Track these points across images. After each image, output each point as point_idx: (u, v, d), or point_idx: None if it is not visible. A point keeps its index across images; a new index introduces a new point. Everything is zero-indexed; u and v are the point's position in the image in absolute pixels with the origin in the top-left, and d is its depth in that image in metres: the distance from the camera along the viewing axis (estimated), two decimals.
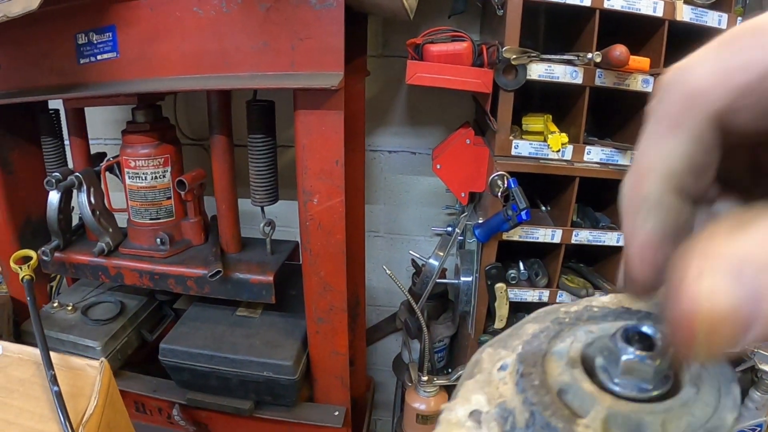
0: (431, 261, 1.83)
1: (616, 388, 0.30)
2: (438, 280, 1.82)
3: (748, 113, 0.28)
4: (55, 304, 1.89)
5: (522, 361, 0.33)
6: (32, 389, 1.16)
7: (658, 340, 0.30)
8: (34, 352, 1.23)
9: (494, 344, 0.37)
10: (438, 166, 1.72)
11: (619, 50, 1.41)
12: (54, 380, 1.13)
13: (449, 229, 1.90)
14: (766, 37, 0.27)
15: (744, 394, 1.64)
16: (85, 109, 1.78)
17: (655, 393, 0.30)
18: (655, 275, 0.31)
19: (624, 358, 0.30)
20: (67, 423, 1.05)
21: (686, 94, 0.29)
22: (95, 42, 1.49)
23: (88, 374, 1.19)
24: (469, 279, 1.79)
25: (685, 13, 1.51)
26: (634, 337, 0.31)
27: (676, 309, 0.26)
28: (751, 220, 0.26)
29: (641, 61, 1.49)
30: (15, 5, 1.23)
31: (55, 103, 1.79)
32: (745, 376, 1.68)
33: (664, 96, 0.30)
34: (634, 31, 1.58)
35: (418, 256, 1.92)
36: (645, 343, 0.30)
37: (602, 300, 0.38)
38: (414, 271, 2.07)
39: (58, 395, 1.10)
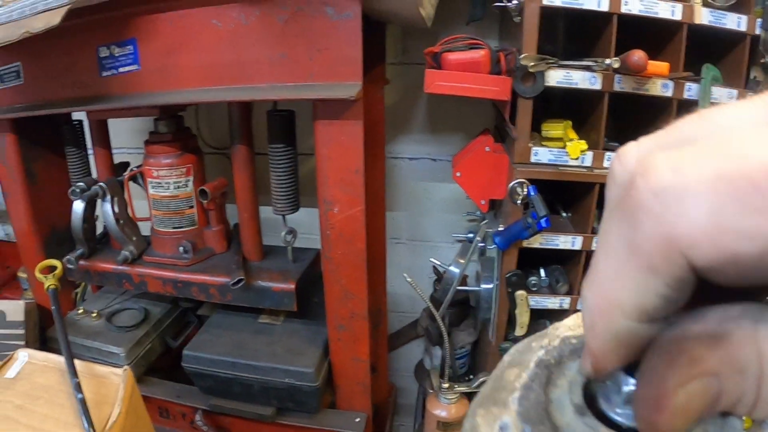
0: (452, 268, 1.83)
1: (619, 419, 0.30)
2: (459, 287, 1.82)
3: (733, 276, 0.24)
4: (80, 311, 1.91)
5: (527, 420, 0.32)
6: (57, 396, 1.18)
7: None
8: (59, 360, 1.25)
9: (483, 403, 0.35)
10: (458, 174, 1.72)
11: (638, 55, 1.40)
12: (78, 388, 1.15)
13: (470, 235, 1.91)
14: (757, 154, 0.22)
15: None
16: (111, 119, 1.80)
17: None
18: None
19: (626, 389, 0.30)
20: (91, 430, 1.07)
21: (666, 239, 0.24)
22: (117, 55, 1.51)
23: (111, 382, 1.21)
24: (490, 286, 1.79)
25: (703, 16, 1.50)
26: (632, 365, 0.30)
27: (654, 416, 0.27)
28: (724, 331, 0.26)
29: (660, 66, 1.48)
30: (38, 21, 1.25)
31: (79, 114, 1.82)
32: None
33: (636, 222, 0.25)
34: (652, 35, 1.57)
35: (439, 263, 1.92)
36: None
37: (569, 326, 0.38)
38: (435, 277, 2.07)
39: (83, 402, 1.11)
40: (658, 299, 0.26)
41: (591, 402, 0.32)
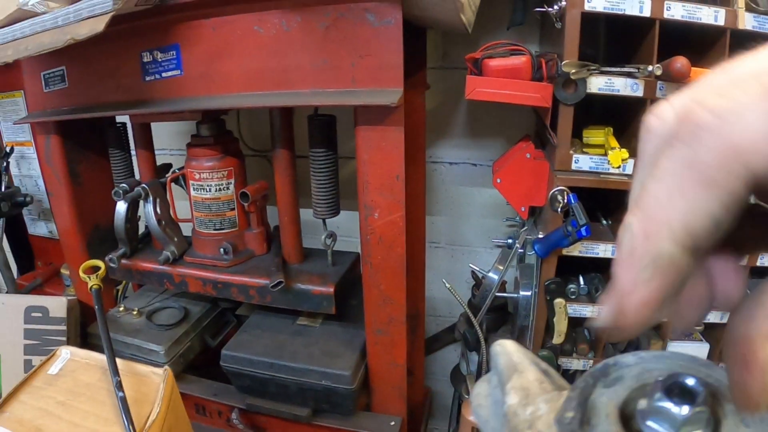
0: (491, 274, 1.82)
1: None
2: (497, 294, 1.82)
3: None
4: (121, 309, 1.95)
5: None
6: (98, 393, 1.20)
7: (701, 394, 0.29)
8: (101, 358, 1.28)
9: None
10: (498, 180, 1.71)
11: (680, 62, 1.39)
12: (119, 386, 1.17)
13: (510, 241, 1.90)
14: None
15: None
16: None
17: None
18: (646, 324, 0.29)
19: (676, 412, 0.29)
20: (131, 427, 1.09)
21: (728, 148, 0.25)
22: (160, 60, 1.53)
23: (152, 381, 1.23)
24: (528, 293, 1.78)
25: (747, 21, 1.47)
26: (674, 390, 0.29)
27: (743, 375, 0.26)
28: None
29: (703, 73, 1.46)
30: (82, 27, 1.27)
31: (123, 117, 1.85)
32: None
33: (695, 141, 0.26)
34: (695, 41, 1.54)
35: (478, 269, 1.92)
36: (685, 396, 0.29)
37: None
38: (474, 282, 2.07)
39: (123, 401, 1.13)
40: (709, 220, 0.26)
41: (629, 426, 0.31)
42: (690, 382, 0.29)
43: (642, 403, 0.30)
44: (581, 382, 0.33)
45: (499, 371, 0.38)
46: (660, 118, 0.29)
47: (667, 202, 0.27)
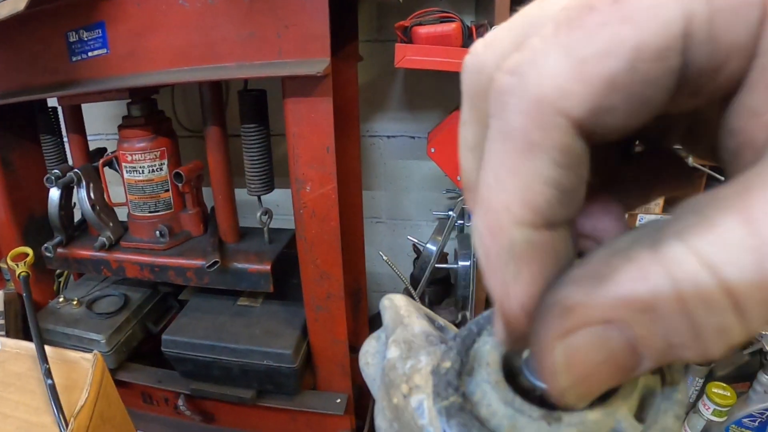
0: (429, 246, 1.82)
1: (534, 380, 0.26)
2: (437, 265, 1.81)
3: (621, 111, 0.21)
4: (61, 300, 1.91)
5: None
6: (28, 383, 1.17)
7: None
8: (31, 347, 1.24)
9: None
10: (432, 150, 1.70)
11: None
12: (48, 373, 1.14)
13: (450, 212, 1.90)
14: (631, 5, 0.20)
15: (752, 377, 1.62)
16: (85, 105, 1.80)
17: None
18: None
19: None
20: (60, 415, 1.06)
21: (534, 103, 0.21)
22: (86, 39, 1.50)
23: (82, 367, 1.20)
24: (467, 263, 1.78)
25: None
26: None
27: (547, 379, 0.23)
28: (609, 268, 0.21)
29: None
30: (2, 8, 1.24)
31: (54, 102, 1.80)
32: (754, 359, 1.67)
33: (504, 110, 0.22)
34: None
35: (416, 241, 1.91)
36: None
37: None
38: (416, 256, 2.06)
39: (52, 388, 1.10)
40: (548, 188, 0.21)
41: (513, 377, 0.27)
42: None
43: (528, 352, 0.27)
44: (463, 331, 0.30)
45: (386, 326, 0.36)
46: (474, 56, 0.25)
47: (498, 186, 0.22)
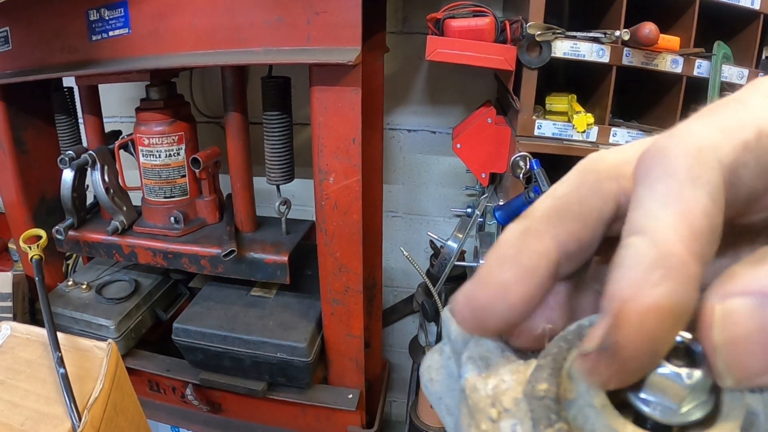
0: (450, 243, 1.78)
1: (648, 409, 0.24)
2: (456, 263, 1.78)
3: (750, 169, 0.25)
4: (70, 283, 1.88)
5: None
6: (39, 371, 1.14)
7: (701, 354, 0.23)
8: (42, 333, 1.21)
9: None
10: (458, 146, 1.67)
11: (649, 28, 1.35)
12: (61, 362, 1.11)
13: (469, 210, 1.86)
14: (749, 104, 0.26)
15: None
16: (101, 86, 1.77)
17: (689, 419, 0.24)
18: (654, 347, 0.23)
19: (659, 371, 0.23)
20: (73, 406, 1.03)
21: (695, 148, 0.24)
22: (107, 18, 1.47)
23: (95, 356, 1.17)
24: None
25: None
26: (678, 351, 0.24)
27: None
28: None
29: (671, 40, 1.43)
30: None
31: (69, 81, 1.77)
32: None
33: (662, 158, 0.25)
34: (663, 8, 1.52)
35: (436, 237, 1.88)
36: (684, 357, 0.24)
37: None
38: (432, 252, 2.03)
39: (65, 377, 1.07)
40: (707, 219, 0.24)
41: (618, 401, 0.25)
42: (689, 341, 0.24)
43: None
44: (553, 348, 0.27)
45: (452, 339, 0.32)
46: None
47: (663, 210, 0.24)
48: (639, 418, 0.24)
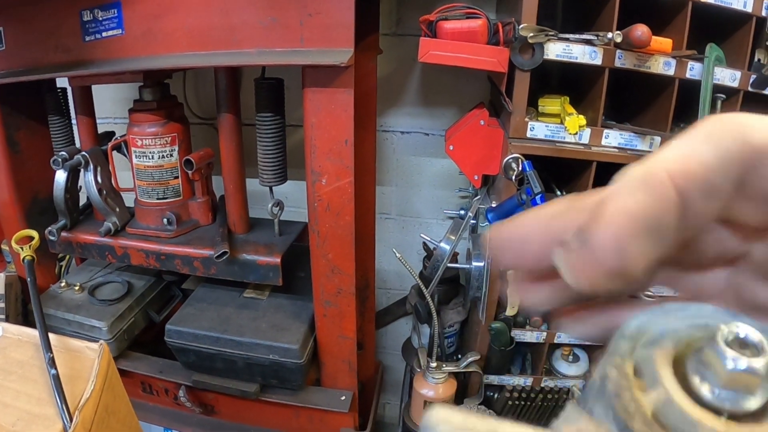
0: (442, 245, 1.78)
1: (719, 403, 0.24)
2: (449, 265, 1.78)
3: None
4: (63, 284, 1.88)
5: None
6: (31, 371, 1.13)
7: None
8: (34, 334, 1.21)
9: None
10: (451, 147, 1.68)
11: (641, 30, 1.36)
12: (52, 363, 1.10)
13: (462, 212, 1.87)
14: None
15: None
16: (95, 87, 1.76)
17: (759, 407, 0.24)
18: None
19: (730, 367, 0.24)
20: (64, 407, 1.02)
21: (731, 121, 0.27)
22: (100, 19, 1.47)
23: (87, 356, 1.16)
24: (481, 264, 1.75)
25: None
26: (735, 342, 0.24)
27: None
28: None
29: (663, 42, 1.44)
30: None
31: (63, 82, 1.77)
32: None
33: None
34: (656, 11, 1.52)
35: (429, 239, 1.88)
36: (749, 348, 0.24)
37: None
38: (425, 254, 2.04)
39: (56, 378, 1.07)
40: (702, 167, 0.27)
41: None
42: (752, 333, 0.24)
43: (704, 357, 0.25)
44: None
45: None
46: None
47: (666, 151, 0.27)
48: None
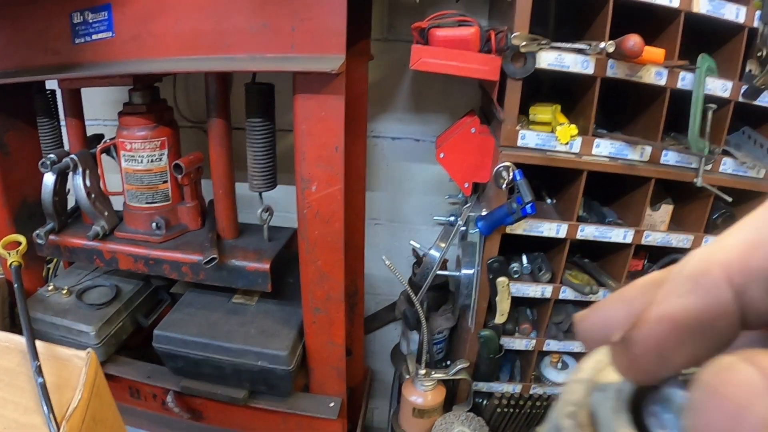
0: (432, 252, 1.78)
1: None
2: (439, 272, 1.78)
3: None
4: (50, 288, 1.86)
5: None
6: (18, 379, 1.12)
7: None
8: (21, 341, 1.19)
9: None
10: (441, 155, 1.67)
11: (633, 40, 1.35)
12: (39, 371, 1.09)
13: (452, 218, 1.86)
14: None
15: None
16: (84, 89, 1.75)
17: None
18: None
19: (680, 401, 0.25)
20: (52, 416, 1.01)
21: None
22: (90, 21, 1.46)
23: (74, 365, 1.15)
24: (471, 272, 1.75)
25: (702, 5, 1.45)
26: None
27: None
28: None
29: (655, 53, 1.43)
30: None
31: (52, 84, 1.76)
32: None
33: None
34: (648, 21, 1.52)
35: (419, 246, 1.88)
36: None
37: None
38: (415, 260, 2.03)
39: (43, 387, 1.06)
40: None
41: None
42: None
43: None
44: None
45: None
46: None
47: (729, 236, 0.25)
48: None
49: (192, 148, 1.74)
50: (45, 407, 1.03)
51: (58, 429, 1.00)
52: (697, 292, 0.24)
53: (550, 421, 0.29)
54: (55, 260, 2.04)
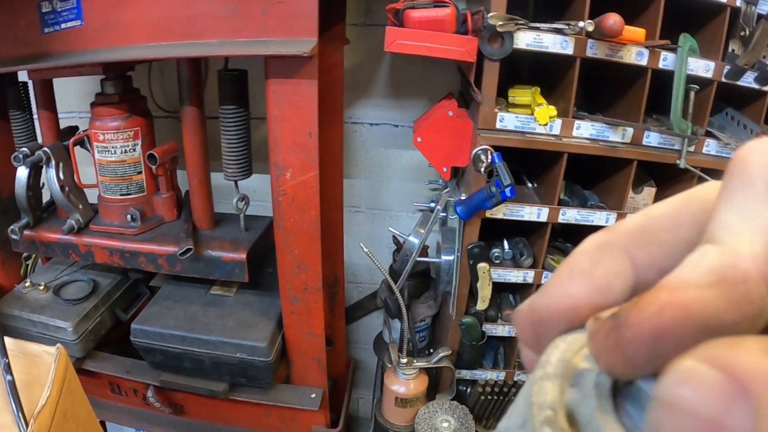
0: (411, 238, 1.76)
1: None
2: (419, 258, 1.76)
3: None
4: (27, 284, 1.83)
5: None
6: None
7: None
8: None
9: None
10: (419, 139, 1.65)
11: (613, 19, 1.34)
12: (8, 369, 1.07)
13: (432, 204, 1.85)
14: None
15: None
16: (59, 81, 1.72)
17: None
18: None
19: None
20: (20, 414, 0.99)
21: None
22: (59, 10, 1.43)
23: (44, 361, 1.13)
24: (451, 258, 1.73)
25: None
26: None
27: None
28: None
29: (636, 32, 1.42)
30: None
31: (25, 76, 1.73)
32: None
33: (742, 166, 0.23)
34: (629, 1, 1.50)
35: (398, 233, 1.86)
36: None
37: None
38: (395, 248, 2.01)
39: (12, 384, 1.04)
40: None
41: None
42: None
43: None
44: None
45: None
46: None
47: (741, 223, 0.22)
48: None
49: (168, 138, 1.71)
50: (14, 405, 1.00)
51: (27, 427, 0.97)
52: (722, 290, 0.20)
53: (515, 419, 0.25)
54: (33, 256, 2.01)
